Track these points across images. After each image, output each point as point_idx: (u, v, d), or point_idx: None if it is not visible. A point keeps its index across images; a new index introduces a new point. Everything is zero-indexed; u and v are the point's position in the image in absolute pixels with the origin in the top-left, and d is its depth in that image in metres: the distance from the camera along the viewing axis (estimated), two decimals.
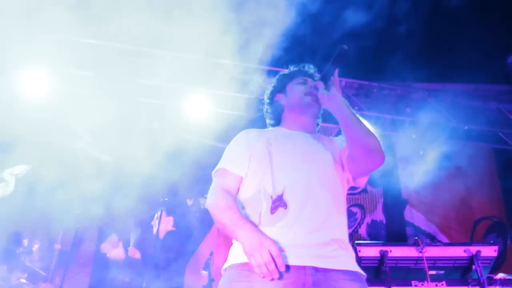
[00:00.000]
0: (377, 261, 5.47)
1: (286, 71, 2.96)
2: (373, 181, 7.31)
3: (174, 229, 5.35)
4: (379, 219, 7.05)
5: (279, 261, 2.14)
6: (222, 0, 5.05)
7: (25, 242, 5.28)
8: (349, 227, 6.97)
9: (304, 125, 2.71)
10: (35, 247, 5.30)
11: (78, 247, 5.74)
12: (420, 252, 5.12)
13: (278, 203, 2.34)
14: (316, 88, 2.59)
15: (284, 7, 5.11)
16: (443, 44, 6.97)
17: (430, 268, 4.92)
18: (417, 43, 6.65)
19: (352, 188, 7.18)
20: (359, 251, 5.55)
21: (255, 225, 2.31)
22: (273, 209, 2.34)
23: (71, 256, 5.30)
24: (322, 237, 2.31)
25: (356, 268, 2.36)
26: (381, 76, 7.30)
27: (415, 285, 5.06)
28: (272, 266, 2.13)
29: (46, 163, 6.50)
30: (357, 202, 7.18)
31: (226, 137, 7.01)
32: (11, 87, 6.46)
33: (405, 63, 6.63)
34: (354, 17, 5.51)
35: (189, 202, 7.14)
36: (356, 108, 7.07)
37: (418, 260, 5.06)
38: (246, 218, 2.35)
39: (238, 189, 2.52)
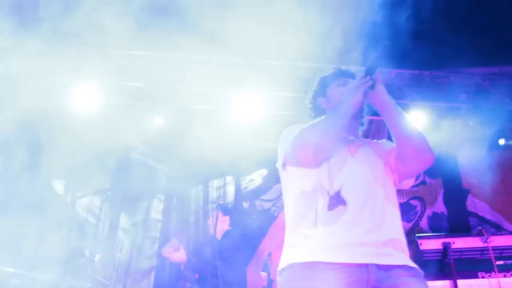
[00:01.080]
0: (440, 254, 5.31)
1: (327, 73, 2.86)
2: (432, 172, 7.11)
3: (230, 228, 5.35)
4: (440, 211, 6.84)
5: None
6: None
7: (87, 252, 5.42)
8: (410, 220, 6.81)
9: (348, 129, 2.61)
10: (97, 257, 5.43)
11: (139, 254, 5.88)
12: (485, 242, 4.93)
13: (336, 199, 2.30)
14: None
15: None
16: (495, 25, 6.71)
17: (497, 258, 4.72)
18: (468, 27, 6.43)
19: None
20: (421, 244, 5.40)
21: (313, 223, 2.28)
22: (331, 206, 2.28)
23: (131, 263, 5.43)
24: (381, 236, 2.25)
25: (414, 265, 2.29)
26: (432, 64, 7.10)
27: (482, 277, 4.88)
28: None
29: (103, 175, 6.69)
30: (416, 194, 6.99)
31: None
32: (64, 104, 6.66)
33: (457, 49, 6.42)
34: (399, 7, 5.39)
35: (245, 205, 7.16)
36: (408, 98, 6.91)
37: (483, 250, 4.88)
38: (301, 214, 2.33)
39: None
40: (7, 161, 6.57)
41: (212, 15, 5.18)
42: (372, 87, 2.49)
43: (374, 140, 2.70)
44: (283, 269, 2.31)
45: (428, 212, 6.84)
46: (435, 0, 5.68)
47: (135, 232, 6.78)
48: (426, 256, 5.37)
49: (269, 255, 5.16)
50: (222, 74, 6.82)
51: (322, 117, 2.49)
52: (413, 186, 7.06)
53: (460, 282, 5.05)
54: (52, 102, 6.65)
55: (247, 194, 7.24)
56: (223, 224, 5.31)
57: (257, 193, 7.27)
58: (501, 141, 7.06)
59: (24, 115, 6.62)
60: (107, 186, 6.57)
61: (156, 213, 6.96)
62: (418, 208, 6.87)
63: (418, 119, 6.82)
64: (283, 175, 2.58)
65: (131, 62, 6.64)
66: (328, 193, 2.31)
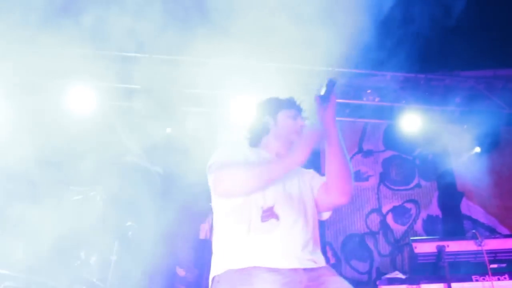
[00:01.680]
0: (434, 257, 5.32)
1: (279, 96, 3.06)
2: (427, 174, 7.13)
3: None
4: (435, 214, 6.86)
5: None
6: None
7: (83, 254, 5.40)
8: (404, 223, 6.83)
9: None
10: (92, 259, 5.41)
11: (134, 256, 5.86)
12: (479, 245, 4.94)
13: (269, 213, 2.52)
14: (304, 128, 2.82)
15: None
16: (490, 30, 6.73)
17: (491, 262, 4.74)
18: (464, 30, 6.46)
19: (404, 183, 6.98)
20: (415, 247, 5.41)
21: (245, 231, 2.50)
22: (263, 218, 2.51)
23: (129, 265, 5.41)
24: (309, 251, 2.54)
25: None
26: (427, 67, 7.12)
27: (476, 280, 4.89)
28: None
29: (98, 177, 6.66)
30: (411, 197, 7.01)
31: None
32: (59, 104, 6.64)
33: (452, 52, 6.44)
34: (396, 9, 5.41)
35: None
36: (403, 101, 6.93)
37: (477, 254, 4.89)
38: (234, 223, 2.55)
39: None
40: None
41: (212, 16, 5.20)
42: (324, 103, 2.72)
43: (302, 168, 2.86)
44: (219, 275, 2.50)
45: (423, 214, 6.86)
46: (428, 4, 5.70)
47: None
48: (420, 259, 5.38)
49: None
50: (219, 76, 6.82)
51: (265, 159, 2.75)
52: (407, 189, 7.09)
53: (454, 285, 5.06)
54: (48, 103, 6.64)
55: None
56: None
57: None
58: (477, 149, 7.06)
59: (20, 116, 6.63)
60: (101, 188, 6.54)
61: None
62: (413, 211, 6.89)
63: (413, 122, 6.84)
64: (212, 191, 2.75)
65: (127, 64, 6.64)
66: (262, 207, 2.54)
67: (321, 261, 2.57)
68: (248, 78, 6.76)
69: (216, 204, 2.72)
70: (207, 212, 5.56)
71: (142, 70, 6.73)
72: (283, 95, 2.99)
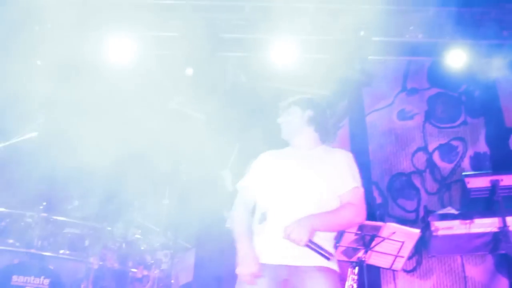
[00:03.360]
0: (487, 192, 5.28)
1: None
2: (473, 111, 6.98)
3: None
4: (483, 150, 6.74)
5: (255, 275, 2.84)
6: None
7: (136, 201, 5.52)
8: (451, 161, 6.74)
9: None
10: (144, 204, 5.54)
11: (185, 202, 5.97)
12: None
13: (264, 217, 3.00)
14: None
15: None
16: None
17: None
18: None
19: (450, 121, 6.84)
20: (468, 182, 5.37)
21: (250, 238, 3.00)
22: (260, 221, 3.03)
23: (179, 211, 5.52)
24: (300, 249, 2.84)
25: (322, 263, 2.88)
26: (471, 0, 6.85)
27: None
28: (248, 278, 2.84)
29: (141, 126, 6.72)
30: (457, 135, 6.88)
31: (315, 82, 6.98)
32: (99, 55, 6.64)
33: None
34: None
35: None
36: (448, 37, 6.71)
37: None
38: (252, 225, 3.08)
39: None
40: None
41: None
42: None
43: (335, 152, 3.21)
44: None
45: (470, 152, 6.75)
46: None
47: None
48: (473, 194, 5.34)
49: None
50: (256, 20, 6.70)
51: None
52: (454, 127, 6.97)
53: (508, 219, 5.04)
54: (87, 55, 6.64)
55: None
56: None
57: None
58: None
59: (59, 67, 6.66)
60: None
61: None
62: (460, 149, 6.79)
63: (458, 58, 6.65)
64: None
65: (164, 12, 6.57)
66: (261, 211, 3.06)
67: (311, 261, 2.87)
68: (286, 21, 6.64)
69: None
70: None
71: (180, 17, 6.65)
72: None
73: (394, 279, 6.14)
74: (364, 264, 4.85)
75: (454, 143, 6.82)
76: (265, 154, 3.29)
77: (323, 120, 3.30)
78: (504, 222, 4.96)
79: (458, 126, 6.94)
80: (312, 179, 3.02)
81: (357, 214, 2.97)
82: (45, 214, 4.71)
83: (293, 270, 2.87)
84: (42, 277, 4.54)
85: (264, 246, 2.93)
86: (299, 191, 2.99)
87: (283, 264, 2.88)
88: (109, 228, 4.91)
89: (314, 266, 2.86)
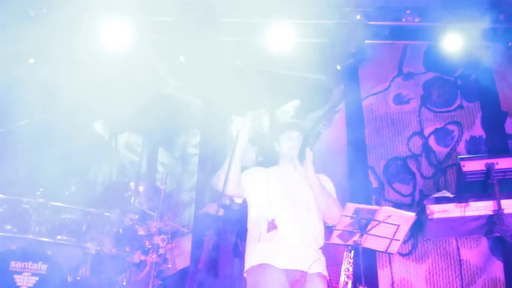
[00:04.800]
0: (482, 175, 5.31)
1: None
2: (469, 95, 6.98)
3: None
4: (478, 134, 6.76)
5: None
6: None
7: (132, 185, 5.54)
8: (447, 145, 6.76)
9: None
10: (141, 189, 5.55)
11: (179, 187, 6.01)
12: None
13: (272, 225, 3.39)
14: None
15: None
16: None
17: None
18: None
19: (446, 105, 6.84)
20: (463, 165, 5.40)
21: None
22: (268, 229, 3.39)
23: (176, 195, 5.56)
24: (308, 254, 3.40)
25: (322, 271, 3.47)
26: None
27: None
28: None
29: (139, 112, 6.74)
30: (453, 119, 6.89)
31: (311, 66, 6.98)
32: (94, 41, 6.61)
33: None
34: None
35: None
36: (444, 21, 6.70)
37: None
38: (253, 233, 3.51)
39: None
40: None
41: None
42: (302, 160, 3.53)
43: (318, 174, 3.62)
44: (247, 270, 3.44)
45: (466, 136, 6.76)
46: None
47: (175, 166, 6.90)
48: (469, 178, 5.38)
49: None
50: (252, 4, 6.68)
51: None
52: (450, 111, 6.98)
53: (503, 202, 5.07)
54: (82, 40, 6.62)
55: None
56: None
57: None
58: None
59: (54, 55, 6.65)
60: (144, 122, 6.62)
61: (193, 148, 7.03)
62: (456, 133, 6.80)
63: (454, 42, 6.64)
64: None
65: None
66: (267, 220, 3.43)
67: (315, 268, 3.39)
68: (282, 5, 6.62)
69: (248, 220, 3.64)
70: None
71: (174, 2, 6.62)
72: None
73: (389, 262, 6.18)
74: (360, 248, 4.90)
75: (450, 127, 6.84)
76: (254, 169, 3.75)
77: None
78: (499, 205, 5.00)
79: (454, 110, 6.95)
80: (308, 190, 3.55)
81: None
82: (42, 200, 4.70)
83: (303, 274, 3.34)
84: (40, 262, 4.56)
85: (278, 252, 3.34)
86: (303, 201, 3.53)
87: (298, 269, 3.33)
88: (106, 214, 4.92)
89: (317, 273, 3.39)
